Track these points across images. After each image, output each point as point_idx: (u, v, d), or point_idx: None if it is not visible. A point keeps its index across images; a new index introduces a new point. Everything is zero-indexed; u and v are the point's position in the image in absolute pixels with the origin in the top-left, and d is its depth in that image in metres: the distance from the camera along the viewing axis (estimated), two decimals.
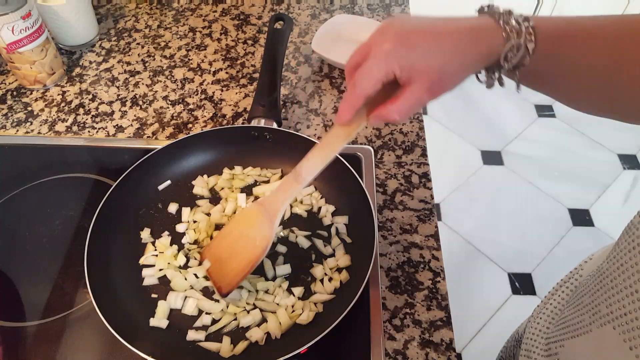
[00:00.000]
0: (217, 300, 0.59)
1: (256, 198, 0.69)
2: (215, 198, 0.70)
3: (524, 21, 0.42)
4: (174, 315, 0.59)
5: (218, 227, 0.67)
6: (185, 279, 0.61)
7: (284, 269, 0.62)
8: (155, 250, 0.64)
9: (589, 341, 0.43)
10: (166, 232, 0.66)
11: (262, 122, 0.73)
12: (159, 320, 0.57)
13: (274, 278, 0.61)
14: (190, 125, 0.83)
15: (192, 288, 0.61)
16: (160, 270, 0.62)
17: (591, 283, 0.44)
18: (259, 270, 0.62)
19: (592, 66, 0.43)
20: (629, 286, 0.37)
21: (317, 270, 0.61)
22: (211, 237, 0.65)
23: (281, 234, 0.66)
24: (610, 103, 0.45)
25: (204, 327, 0.57)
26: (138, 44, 0.98)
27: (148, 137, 0.81)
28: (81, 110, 0.86)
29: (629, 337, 0.37)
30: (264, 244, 0.55)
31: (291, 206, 0.68)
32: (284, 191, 0.55)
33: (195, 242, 0.65)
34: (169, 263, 0.62)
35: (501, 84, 0.46)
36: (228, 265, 0.57)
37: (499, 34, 0.42)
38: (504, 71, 0.44)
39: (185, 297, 0.60)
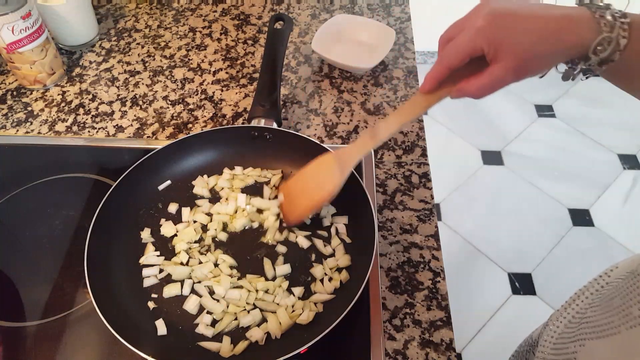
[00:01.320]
0: (218, 300, 0.60)
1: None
2: (215, 198, 0.70)
3: (621, 17, 0.42)
4: (174, 315, 0.59)
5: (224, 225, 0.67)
6: (190, 270, 0.62)
7: (284, 269, 0.62)
8: (156, 250, 0.64)
9: (616, 342, 0.43)
10: (188, 207, 0.69)
11: (262, 122, 0.73)
12: (160, 322, 0.57)
13: (274, 278, 0.61)
14: (190, 125, 0.83)
15: (190, 278, 0.62)
16: (161, 270, 0.62)
17: (623, 285, 0.43)
18: (259, 270, 0.62)
19: None
20: None
21: (317, 270, 0.61)
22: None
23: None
24: None
25: (206, 326, 0.57)
26: (138, 44, 0.98)
27: (148, 137, 0.81)
28: (81, 110, 0.86)
29: None
30: (331, 188, 0.60)
31: None
32: (359, 146, 0.58)
33: (197, 241, 0.65)
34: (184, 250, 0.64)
35: (575, 77, 0.46)
36: (297, 201, 0.63)
37: (592, 26, 0.42)
38: (590, 64, 0.44)
39: (189, 292, 0.60)
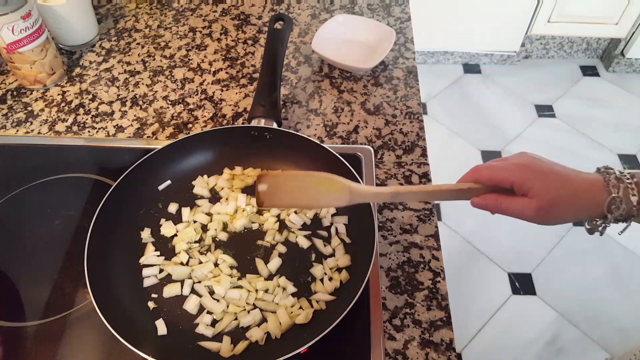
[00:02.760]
0: (218, 300, 0.60)
1: None
2: (215, 198, 0.70)
3: (628, 178, 0.48)
4: (174, 315, 0.59)
5: (225, 225, 0.67)
6: (190, 270, 0.62)
7: (275, 263, 0.62)
8: (156, 250, 0.64)
9: None
10: (188, 207, 0.68)
11: (262, 122, 0.73)
12: (160, 322, 0.58)
13: (270, 276, 0.62)
14: (190, 125, 0.83)
15: (190, 278, 0.62)
16: (161, 270, 0.62)
17: None
18: (257, 270, 0.62)
19: None
20: None
21: (317, 270, 0.61)
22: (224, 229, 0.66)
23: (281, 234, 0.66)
24: None
25: (206, 326, 0.57)
26: (138, 44, 0.98)
27: (148, 137, 0.81)
28: (81, 110, 0.86)
29: None
30: (330, 205, 0.61)
31: (295, 212, 0.67)
32: (376, 193, 0.56)
33: (197, 241, 0.65)
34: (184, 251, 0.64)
35: (601, 233, 0.52)
36: (286, 196, 0.57)
37: (603, 189, 0.48)
38: (609, 221, 0.50)
39: (189, 292, 0.61)
